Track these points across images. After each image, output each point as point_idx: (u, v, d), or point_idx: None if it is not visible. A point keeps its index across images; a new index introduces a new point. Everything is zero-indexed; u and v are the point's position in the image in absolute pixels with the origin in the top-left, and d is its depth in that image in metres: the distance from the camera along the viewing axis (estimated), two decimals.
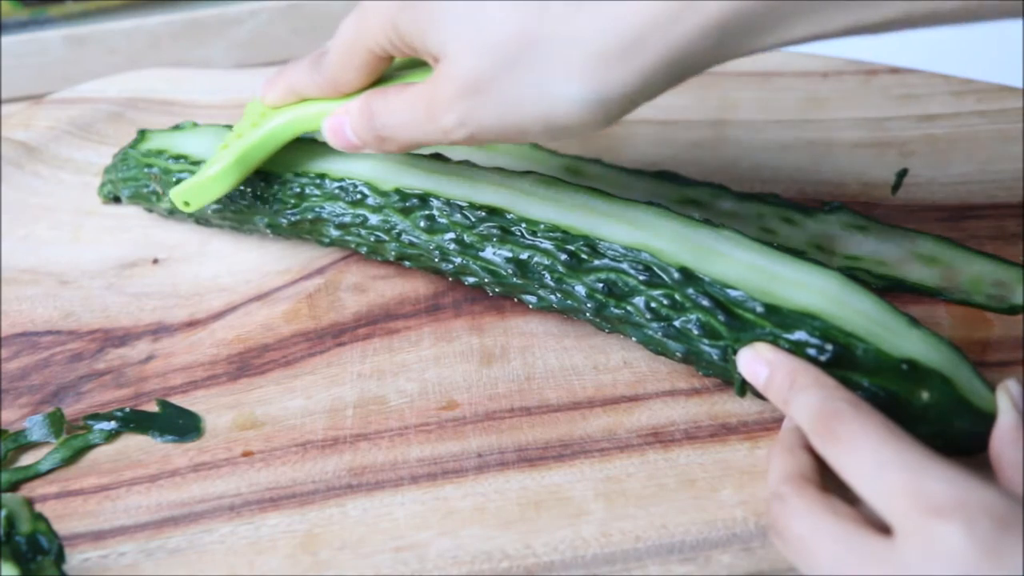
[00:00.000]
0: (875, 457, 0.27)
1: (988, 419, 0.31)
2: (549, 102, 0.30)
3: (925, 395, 0.31)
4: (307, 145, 0.43)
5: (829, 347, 0.31)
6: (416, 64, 0.37)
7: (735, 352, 0.33)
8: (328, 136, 0.37)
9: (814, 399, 0.30)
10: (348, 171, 0.41)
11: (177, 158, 0.46)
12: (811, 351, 0.32)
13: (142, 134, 0.49)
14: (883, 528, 0.27)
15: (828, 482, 0.30)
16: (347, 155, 0.42)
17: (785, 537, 0.29)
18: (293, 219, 0.43)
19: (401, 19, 0.31)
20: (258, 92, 0.40)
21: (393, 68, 0.37)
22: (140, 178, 0.48)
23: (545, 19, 0.29)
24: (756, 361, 0.33)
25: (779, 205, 0.44)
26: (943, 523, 0.25)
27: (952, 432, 0.31)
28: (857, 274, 0.41)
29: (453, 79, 0.31)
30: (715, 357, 0.34)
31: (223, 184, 0.40)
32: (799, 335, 0.32)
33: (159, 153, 0.47)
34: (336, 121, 0.36)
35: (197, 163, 0.45)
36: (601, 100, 0.29)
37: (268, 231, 0.45)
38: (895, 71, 0.54)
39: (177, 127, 0.49)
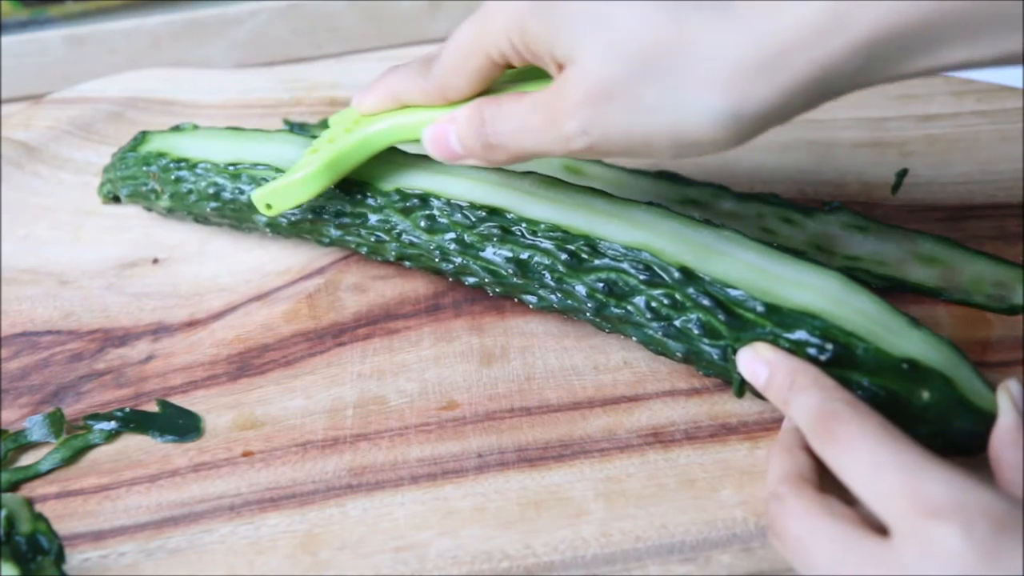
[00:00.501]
0: (873, 458, 0.27)
1: (988, 419, 0.31)
2: (681, 114, 0.28)
3: (925, 395, 0.31)
4: (392, 157, 0.42)
5: (829, 346, 0.31)
6: (524, 78, 0.35)
7: (735, 352, 0.33)
8: (429, 144, 0.35)
9: (813, 400, 0.30)
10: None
11: (178, 162, 0.46)
12: (811, 350, 0.32)
13: (142, 136, 0.49)
14: (881, 529, 0.27)
15: (827, 483, 0.30)
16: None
17: (783, 537, 0.29)
18: (293, 219, 0.43)
19: (531, 22, 0.30)
20: (353, 100, 0.38)
21: (499, 82, 0.35)
22: (139, 176, 0.48)
23: (684, 27, 0.28)
24: (756, 361, 0.33)
25: (779, 205, 0.44)
26: (941, 525, 0.25)
27: (952, 432, 0.31)
28: (857, 274, 0.41)
29: (581, 84, 0.29)
30: (715, 357, 0.34)
31: (310, 189, 0.39)
32: (799, 334, 0.32)
33: (160, 156, 0.47)
34: (440, 129, 0.35)
35: (196, 165, 0.45)
36: (736, 116, 0.28)
37: (268, 230, 0.45)
38: None
39: (177, 128, 0.49)
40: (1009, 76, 0.56)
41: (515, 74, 0.35)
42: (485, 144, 0.33)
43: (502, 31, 0.31)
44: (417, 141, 0.36)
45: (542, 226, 0.37)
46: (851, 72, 0.27)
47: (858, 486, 0.27)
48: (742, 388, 0.34)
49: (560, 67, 0.30)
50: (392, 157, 0.41)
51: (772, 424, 0.36)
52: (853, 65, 0.27)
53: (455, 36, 0.33)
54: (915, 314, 0.33)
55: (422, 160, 0.41)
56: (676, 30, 0.28)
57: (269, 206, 0.40)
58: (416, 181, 0.40)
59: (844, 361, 0.31)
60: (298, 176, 0.39)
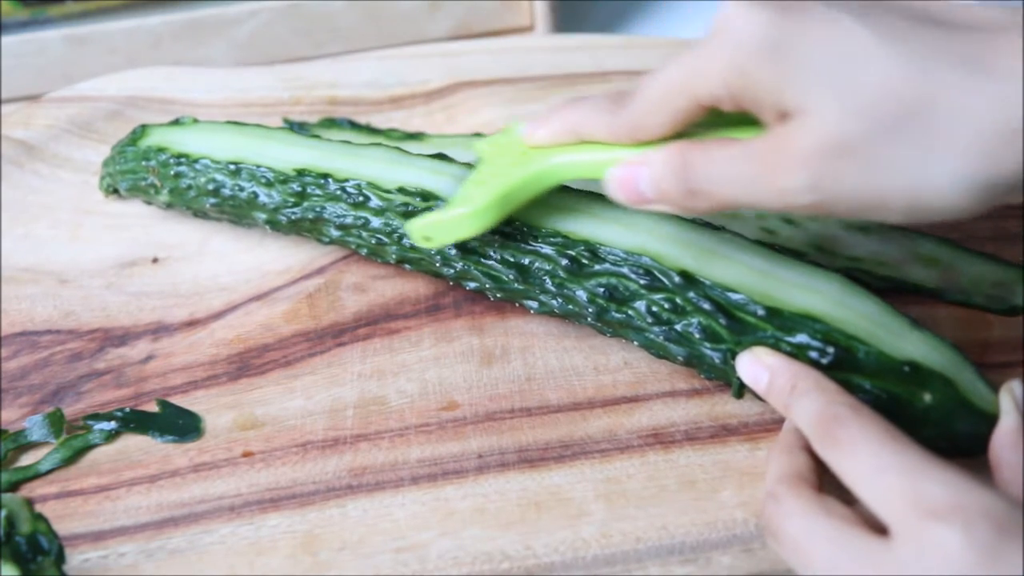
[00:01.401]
0: (874, 461, 0.27)
1: (991, 420, 0.31)
2: (923, 177, 0.26)
3: (927, 397, 0.31)
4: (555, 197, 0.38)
5: (831, 350, 0.31)
6: (720, 123, 0.32)
7: (735, 356, 0.33)
8: (615, 186, 0.32)
9: (815, 404, 0.30)
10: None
11: (178, 157, 0.46)
12: (813, 354, 0.32)
13: (142, 129, 0.49)
14: (880, 529, 0.27)
15: (827, 484, 0.30)
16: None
17: (779, 538, 0.29)
18: (293, 217, 0.43)
19: (757, 65, 0.27)
20: (522, 131, 0.36)
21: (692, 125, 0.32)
22: (138, 171, 0.48)
23: (933, 84, 0.25)
24: (756, 366, 0.33)
25: None
26: (941, 526, 0.25)
27: (954, 433, 0.31)
28: (858, 275, 0.41)
29: (812, 137, 0.27)
30: (717, 360, 0.34)
31: (477, 225, 0.36)
32: (801, 338, 0.32)
33: (159, 150, 0.47)
34: (629, 171, 0.32)
35: (196, 161, 0.45)
36: (987, 184, 0.25)
37: (267, 227, 0.45)
38: None
39: (177, 122, 0.49)
40: None
41: (711, 118, 0.31)
42: (687, 190, 0.30)
43: (719, 73, 0.28)
44: (598, 180, 0.33)
45: (542, 231, 0.37)
46: None
47: (860, 488, 0.27)
48: (741, 390, 0.34)
49: (782, 116, 0.28)
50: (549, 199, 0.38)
51: (772, 425, 0.36)
52: None
53: (659, 73, 0.31)
54: (915, 315, 0.33)
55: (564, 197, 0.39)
56: (924, 86, 0.26)
57: (427, 239, 0.37)
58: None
59: (846, 364, 0.31)
60: (464, 211, 0.35)
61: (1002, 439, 0.30)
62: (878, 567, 0.26)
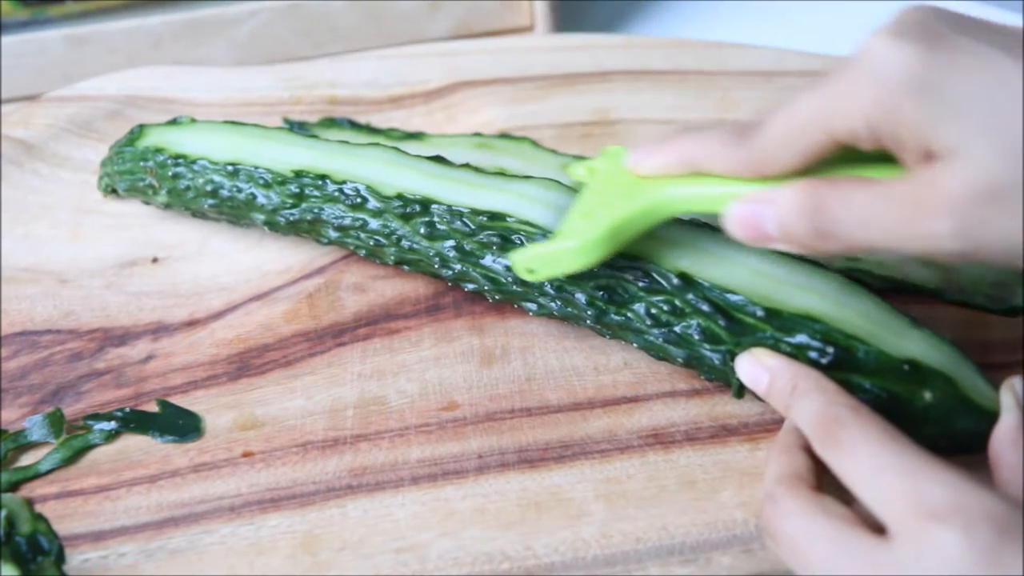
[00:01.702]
0: (874, 461, 0.27)
1: (991, 418, 0.31)
2: None
3: (927, 395, 0.31)
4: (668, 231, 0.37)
5: (831, 349, 0.31)
6: (849, 160, 0.30)
7: (734, 358, 0.33)
8: (735, 223, 0.31)
9: (816, 405, 0.30)
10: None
11: (176, 158, 0.46)
12: (812, 354, 0.32)
13: (140, 129, 0.49)
14: (878, 529, 0.27)
15: (826, 484, 0.30)
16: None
17: (777, 538, 0.29)
18: (291, 218, 0.43)
19: (902, 103, 0.26)
20: (629, 159, 0.34)
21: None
22: (136, 172, 0.48)
23: None
24: (756, 367, 0.33)
25: None
26: (941, 528, 0.25)
27: (955, 432, 0.31)
28: (858, 275, 0.40)
29: (964, 180, 0.25)
30: (716, 362, 0.34)
31: (585, 260, 0.34)
32: (800, 338, 0.32)
33: (157, 151, 0.47)
34: (753, 209, 0.30)
35: (194, 162, 0.45)
36: None
37: (266, 228, 0.45)
38: None
39: (174, 121, 0.49)
40: None
41: (839, 154, 0.30)
42: (817, 231, 0.29)
43: (861, 109, 0.27)
44: (715, 215, 0.32)
45: (542, 234, 0.37)
46: None
47: (860, 489, 0.27)
48: (741, 390, 0.34)
49: (928, 157, 0.27)
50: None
51: (772, 425, 0.36)
52: None
53: (790, 106, 0.29)
54: (915, 315, 0.33)
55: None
56: None
57: (531, 271, 0.35)
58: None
59: (845, 364, 0.31)
60: (572, 245, 0.34)
61: (1002, 437, 0.30)
62: (877, 567, 0.26)
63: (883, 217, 0.27)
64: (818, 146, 0.29)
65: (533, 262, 0.35)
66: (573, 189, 0.39)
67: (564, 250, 0.34)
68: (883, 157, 0.29)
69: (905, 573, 0.25)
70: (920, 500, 0.26)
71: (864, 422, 0.28)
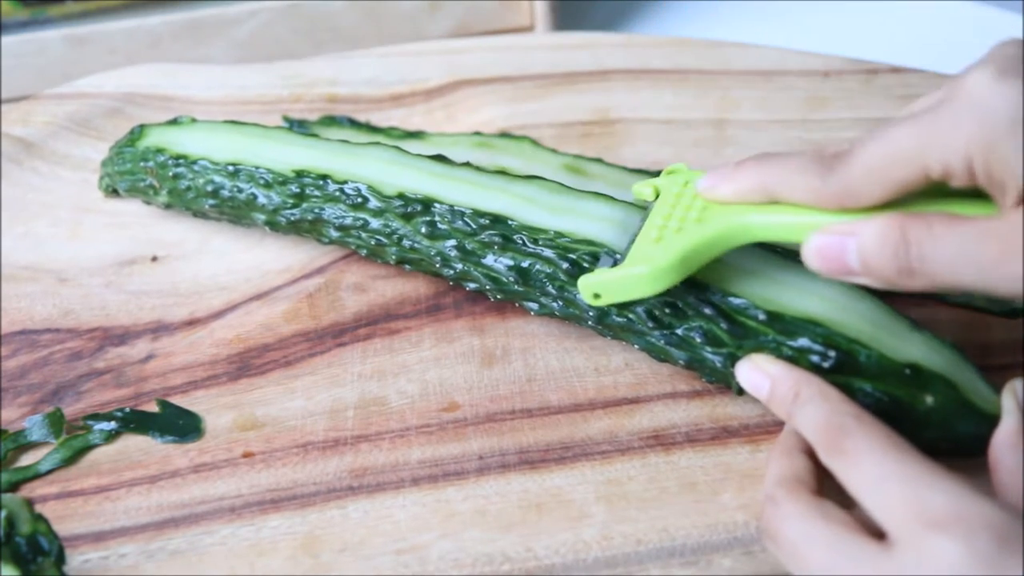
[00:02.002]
0: (877, 470, 0.27)
1: (992, 421, 0.31)
2: None
3: (928, 399, 0.31)
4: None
5: (832, 353, 0.31)
6: (935, 195, 0.29)
7: (736, 360, 0.33)
8: (815, 254, 0.30)
9: (819, 413, 0.30)
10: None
11: (177, 158, 0.46)
12: (814, 358, 0.32)
13: (140, 129, 0.49)
14: (878, 534, 0.27)
15: (827, 489, 0.30)
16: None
17: (777, 540, 0.29)
18: (292, 218, 0.43)
19: (1006, 143, 0.26)
20: (700, 183, 0.34)
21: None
22: (136, 172, 0.48)
23: None
24: (757, 374, 0.33)
25: None
26: (942, 536, 0.25)
27: (956, 435, 0.31)
28: None
29: None
30: (718, 364, 0.34)
31: (656, 286, 0.33)
32: (802, 342, 0.32)
33: (158, 151, 0.47)
34: (835, 241, 0.29)
35: (195, 163, 0.45)
36: None
37: (267, 228, 0.45)
38: (896, 71, 0.54)
39: (175, 121, 0.49)
40: None
41: (925, 190, 0.29)
42: (902, 268, 0.28)
43: (960, 146, 0.27)
44: (795, 243, 0.31)
45: (543, 235, 0.37)
46: None
47: (863, 496, 0.27)
48: (742, 388, 0.34)
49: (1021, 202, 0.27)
50: None
51: (773, 427, 0.36)
52: None
53: (880, 138, 0.29)
54: (916, 317, 0.33)
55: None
56: None
57: (598, 296, 0.34)
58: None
59: (847, 368, 0.31)
60: (643, 271, 0.33)
61: (1002, 441, 0.30)
62: (876, 572, 0.26)
63: (976, 256, 0.27)
64: (909, 180, 0.28)
65: (600, 288, 0.34)
66: (573, 190, 0.39)
67: (635, 276, 0.33)
68: (969, 194, 0.28)
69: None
70: (922, 508, 0.26)
71: (868, 430, 0.28)
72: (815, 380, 0.31)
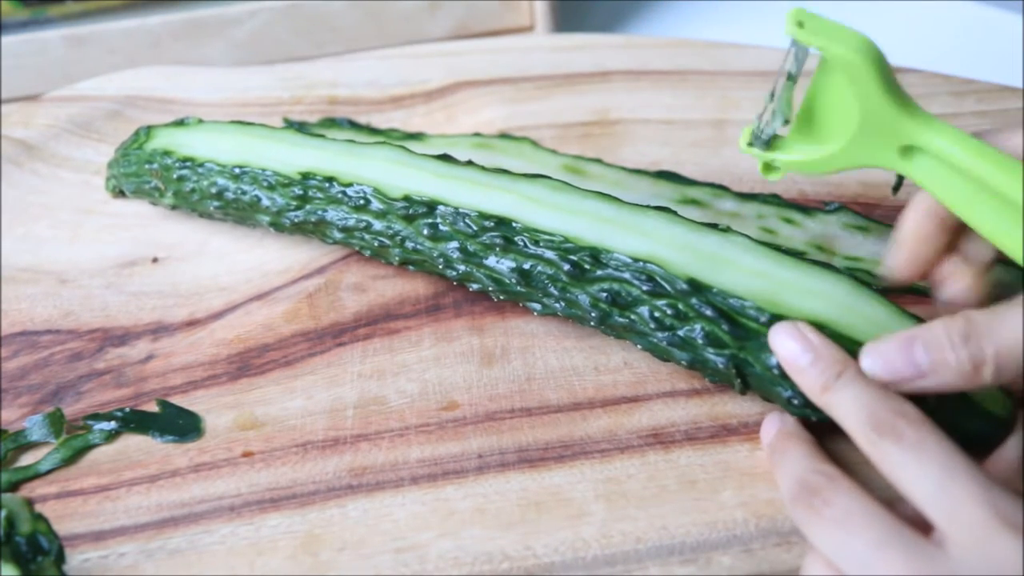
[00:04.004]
0: (945, 462, 0.27)
1: (998, 422, 0.31)
2: None
3: (933, 399, 0.31)
4: None
5: None
6: None
7: (735, 365, 0.33)
8: (875, 357, 0.30)
9: (872, 393, 0.29)
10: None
11: (183, 161, 0.46)
12: None
13: (147, 131, 0.49)
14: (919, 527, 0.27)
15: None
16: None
17: (816, 528, 0.29)
18: (296, 220, 0.43)
19: None
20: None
21: None
22: (142, 174, 0.48)
23: None
24: (798, 341, 0.31)
25: (779, 205, 0.44)
26: (1009, 536, 0.25)
27: (961, 435, 0.31)
28: (858, 275, 0.40)
29: None
30: (720, 365, 0.34)
31: (839, 164, 0.34)
32: None
33: (165, 153, 0.47)
34: (898, 342, 0.30)
35: (201, 165, 0.45)
36: None
37: (271, 229, 0.45)
38: (896, 71, 0.53)
39: (181, 123, 0.49)
40: (1009, 76, 0.56)
41: None
42: (974, 356, 0.28)
43: None
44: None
45: (545, 236, 0.37)
46: None
47: (917, 487, 0.27)
48: (745, 387, 0.34)
49: None
50: None
51: None
52: None
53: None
54: (918, 316, 0.33)
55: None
56: None
57: (771, 168, 0.36)
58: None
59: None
60: (832, 150, 0.34)
61: (997, 464, 0.30)
62: (930, 566, 0.26)
63: None
64: None
65: (784, 164, 0.35)
66: (574, 187, 0.39)
67: (824, 155, 0.34)
68: None
69: (960, 574, 0.25)
70: (995, 509, 0.26)
71: (926, 420, 0.28)
72: (857, 363, 0.31)
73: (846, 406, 0.30)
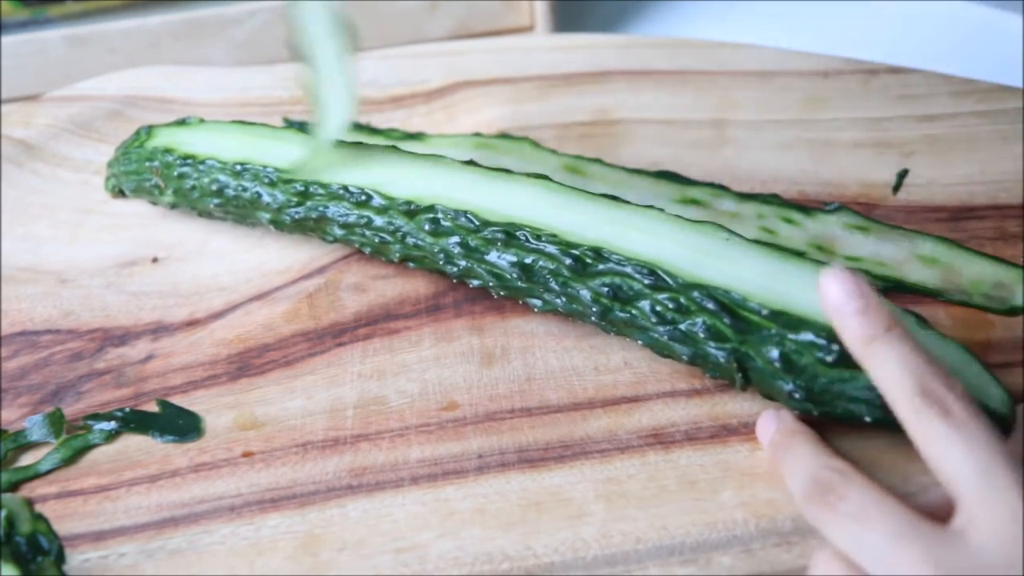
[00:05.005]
0: (992, 447, 0.27)
1: (1000, 419, 0.31)
2: None
3: None
4: None
5: (836, 347, 0.31)
6: None
7: (737, 359, 0.33)
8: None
9: (923, 360, 0.29)
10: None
11: (184, 158, 0.46)
12: (818, 352, 0.32)
13: (148, 130, 0.49)
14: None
15: None
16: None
17: (831, 522, 0.29)
18: (296, 217, 0.43)
19: None
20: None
21: None
22: (142, 172, 0.48)
23: None
24: (850, 285, 0.30)
25: (779, 205, 0.44)
26: None
27: None
28: None
29: None
30: (722, 359, 0.34)
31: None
32: (805, 336, 0.32)
33: (166, 152, 0.47)
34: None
35: (201, 162, 0.45)
36: None
37: (271, 227, 0.45)
38: (895, 71, 0.54)
39: (183, 122, 0.49)
40: (1009, 76, 0.56)
41: None
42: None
43: None
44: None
45: (547, 232, 0.37)
46: None
47: (960, 468, 0.27)
48: (745, 384, 0.34)
49: None
50: None
51: None
52: None
53: None
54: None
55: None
56: None
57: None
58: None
59: (851, 362, 0.31)
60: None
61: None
62: (948, 557, 0.26)
63: None
64: None
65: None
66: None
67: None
68: None
69: (984, 568, 0.26)
70: None
71: (973, 400, 0.28)
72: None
73: (892, 364, 0.29)
